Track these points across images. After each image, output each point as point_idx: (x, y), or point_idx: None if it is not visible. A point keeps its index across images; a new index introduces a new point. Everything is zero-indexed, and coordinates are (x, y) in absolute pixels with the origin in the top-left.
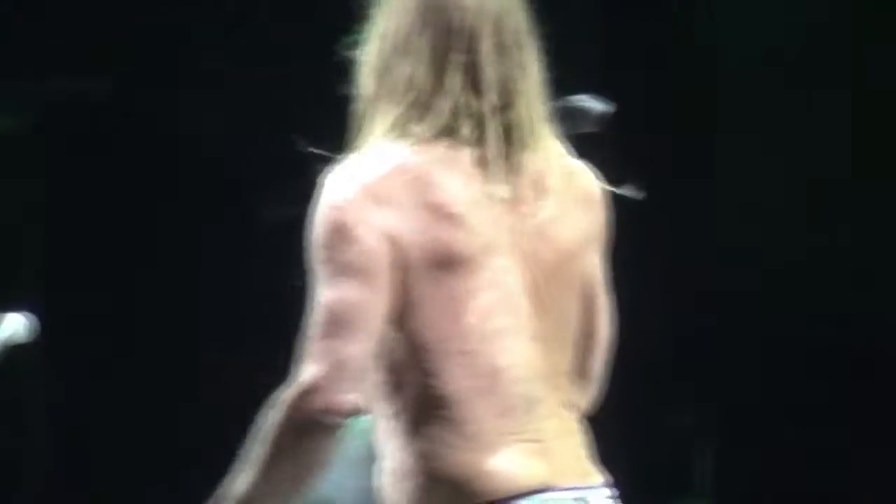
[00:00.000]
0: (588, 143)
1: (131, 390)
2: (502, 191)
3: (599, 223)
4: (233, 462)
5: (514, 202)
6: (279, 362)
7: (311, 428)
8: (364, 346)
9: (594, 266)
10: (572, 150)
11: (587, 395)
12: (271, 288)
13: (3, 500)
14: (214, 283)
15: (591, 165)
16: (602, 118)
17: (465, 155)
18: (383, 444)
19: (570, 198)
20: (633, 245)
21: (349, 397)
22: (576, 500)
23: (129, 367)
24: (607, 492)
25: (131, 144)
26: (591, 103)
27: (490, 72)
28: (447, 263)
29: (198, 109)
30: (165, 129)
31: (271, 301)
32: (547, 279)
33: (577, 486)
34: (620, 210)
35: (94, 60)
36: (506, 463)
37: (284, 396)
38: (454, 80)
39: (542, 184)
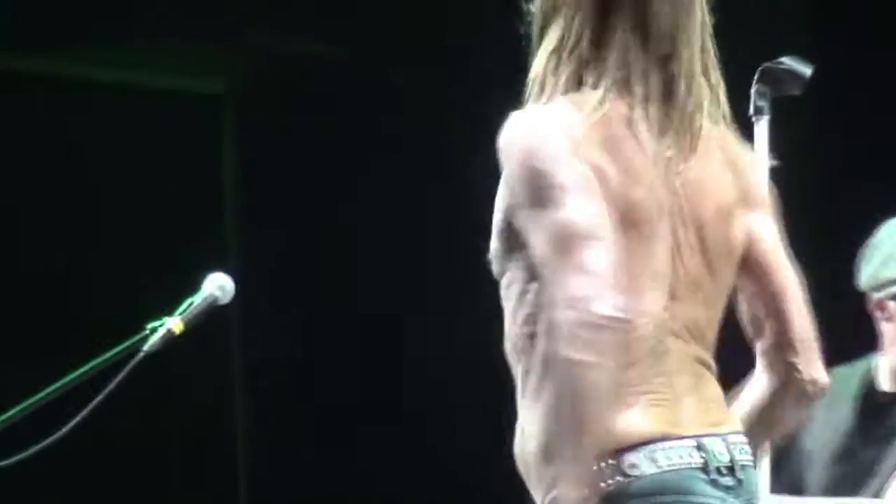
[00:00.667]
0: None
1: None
2: (669, 150)
3: (752, 188)
4: None
5: (675, 160)
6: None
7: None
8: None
9: (759, 229)
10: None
11: (804, 361)
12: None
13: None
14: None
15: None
16: (806, 82)
17: (637, 112)
18: (518, 403)
19: (722, 159)
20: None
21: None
22: (695, 447)
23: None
24: (732, 438)
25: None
26: (797, 66)
27: (656, 19)
28: (630, 222)
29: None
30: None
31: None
32: (700, 238)
33: (698, 434)
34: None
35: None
36: (627, 415)
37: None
38: (622, 32)
39: (701, 142)
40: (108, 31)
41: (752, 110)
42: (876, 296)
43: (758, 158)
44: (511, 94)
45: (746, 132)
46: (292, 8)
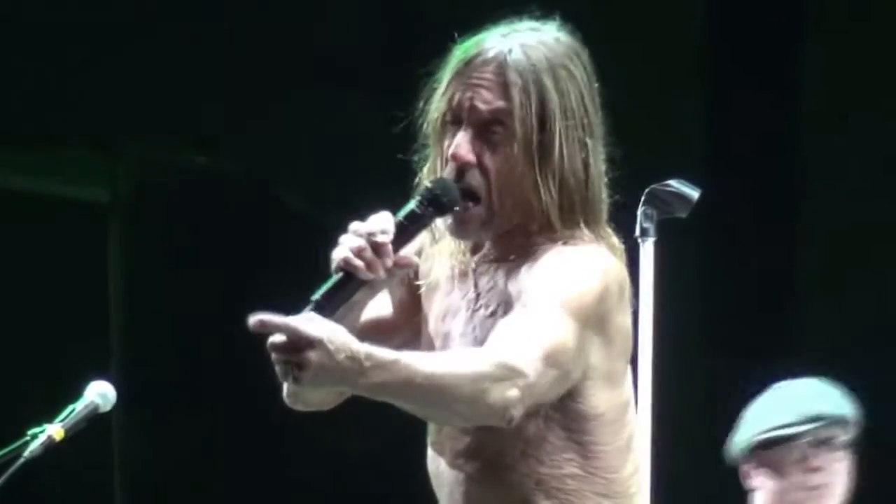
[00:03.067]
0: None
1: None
2: None
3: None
4: None
5: None
6: None
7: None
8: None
9: None
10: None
11: None
12: None
13: None
14: None
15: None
16: (692, 204)
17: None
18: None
19: None
20: None
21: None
22: None
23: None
24: None
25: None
26: (684, 188)
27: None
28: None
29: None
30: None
31: None
32: None
33: None
34: None
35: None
36: None
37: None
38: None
39: None
40: None
41: (637, 231)
42: (743, 462)
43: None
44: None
45: (632, 254)
46: (175, 119)
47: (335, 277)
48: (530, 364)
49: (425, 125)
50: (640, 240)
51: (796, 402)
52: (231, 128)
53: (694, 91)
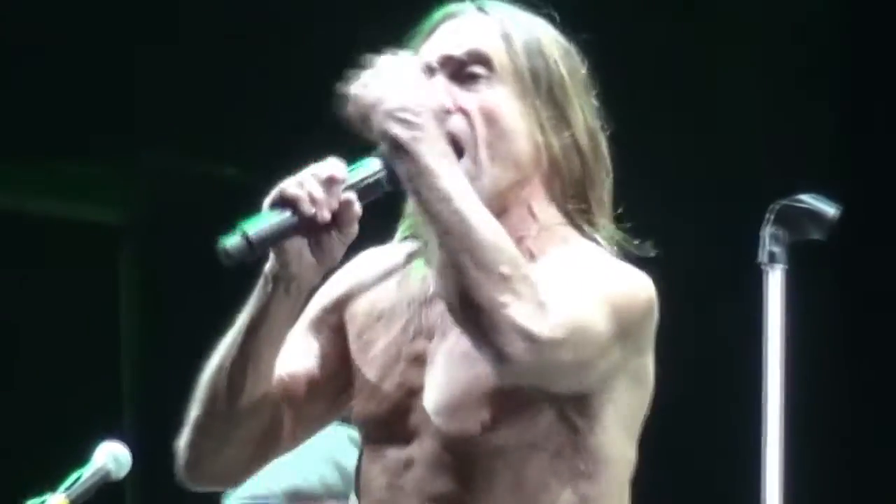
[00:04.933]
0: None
1: None
2: None
3: None
4: None
5: None
6: None
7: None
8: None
9: None
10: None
11: None
12: None
13: None
14: None
15: None
16: (829, 224)
17: None
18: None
19: None
20: None
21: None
22: None
23: None
24: None
25: None
26: (819, 204)
27: None
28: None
29: None
30: None
31: None
32: None
33: None
34: None
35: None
36: None
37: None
38: None
39: None
40: None
41: (762, 257)
42: None
43: None
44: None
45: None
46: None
47: (270, 212)
48: (558, 324)
49: None
50: (765, 267)
51: (283, 468)
52: (262, 137)
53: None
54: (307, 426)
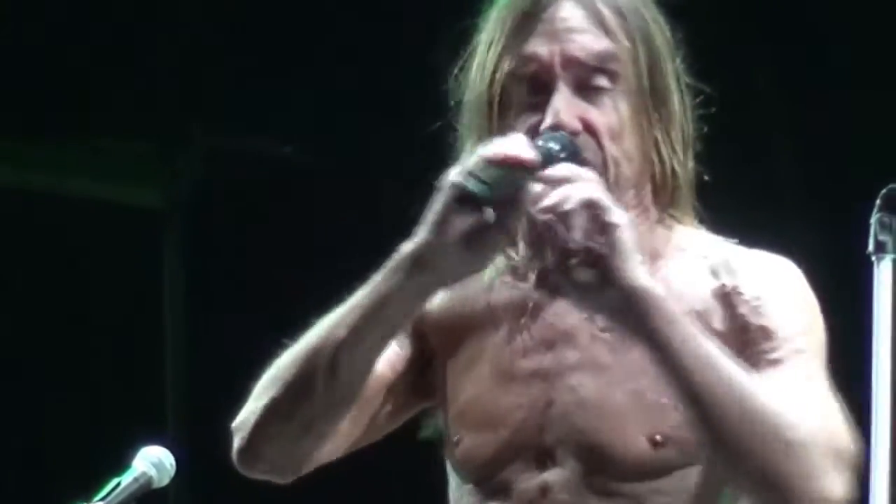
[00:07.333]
0: None
1: None
2: None
3: None
4: None
5: None
6: None
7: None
8: None
9: None
10: None
11: None
12: None
13: None
14: None
15: None
16: None
17: None
18: None
19: None
20: None
21: None
22: None
23: None
24: None
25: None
26: None
27: None
28: None
29: None
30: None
31: None
32: None
33: None
34: None
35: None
36: None
37: None
38: None
39: None
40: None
41: (871, 246)
42: None
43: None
44: None
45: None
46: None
47: (489, 168)
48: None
49: (470, 99)
50: (874, 257)
51: None
52: (324, 113)
53: None
54: (367, 432)
